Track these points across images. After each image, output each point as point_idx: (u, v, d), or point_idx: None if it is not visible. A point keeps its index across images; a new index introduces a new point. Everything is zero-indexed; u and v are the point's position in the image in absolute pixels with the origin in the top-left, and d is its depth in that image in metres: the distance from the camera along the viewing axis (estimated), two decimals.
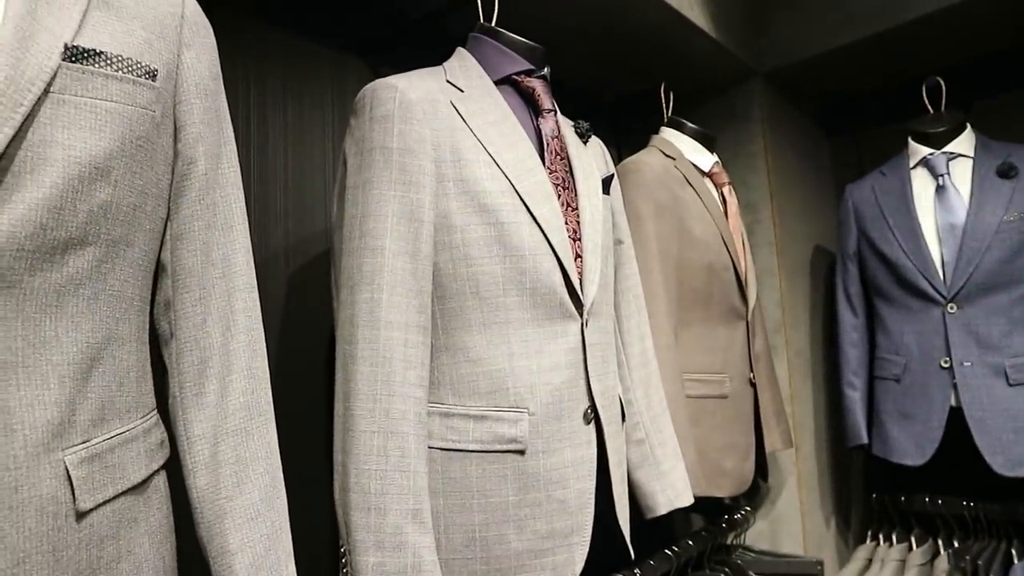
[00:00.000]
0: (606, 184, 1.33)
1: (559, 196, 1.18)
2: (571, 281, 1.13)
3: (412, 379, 1.01)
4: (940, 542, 1.94)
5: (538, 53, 1.26)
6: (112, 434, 0.69)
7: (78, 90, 0.65)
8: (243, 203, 0.87)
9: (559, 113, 1.30)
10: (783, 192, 2.22)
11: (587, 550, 1.11)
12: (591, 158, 1.32)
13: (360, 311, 1.01)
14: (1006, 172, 1.83)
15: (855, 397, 2.02)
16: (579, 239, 1.18)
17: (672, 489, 1.36)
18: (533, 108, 1.25)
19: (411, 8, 1.58)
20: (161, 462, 0.78)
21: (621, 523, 1.20)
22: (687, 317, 1.64)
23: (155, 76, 0.73)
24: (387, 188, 1.05)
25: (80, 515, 0.65)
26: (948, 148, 1.92)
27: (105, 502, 0.68)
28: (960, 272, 1.79)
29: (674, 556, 1.59)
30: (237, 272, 0.83)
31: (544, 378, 1.09)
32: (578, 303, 1.14)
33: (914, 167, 1.96)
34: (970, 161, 1.89)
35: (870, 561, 2.00)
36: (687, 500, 1.37)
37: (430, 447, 1.05)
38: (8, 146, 0.61)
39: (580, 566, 1.10)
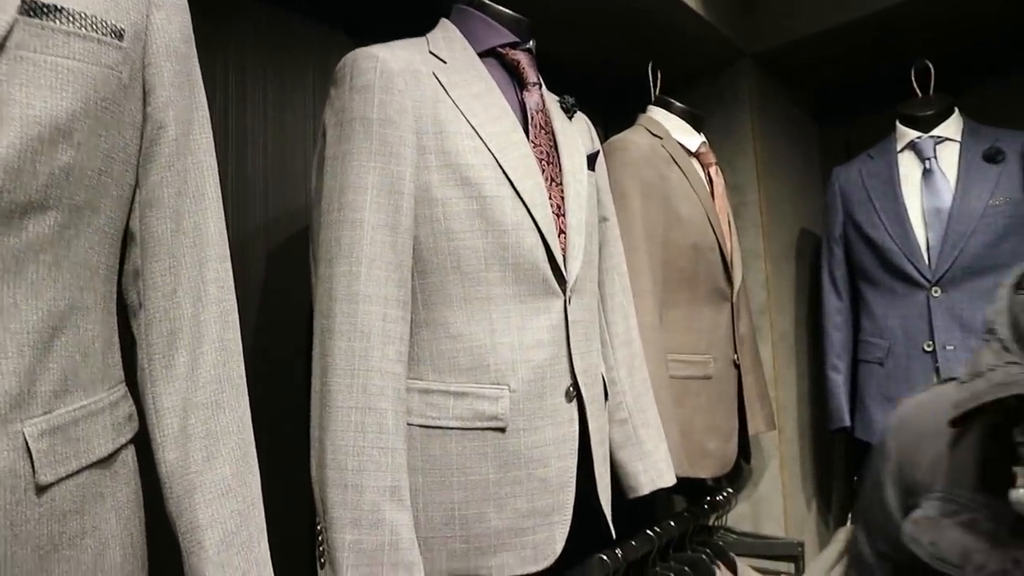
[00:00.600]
0: (591, 160, 1.31)
1: (543, 171, 1.16)
2: (554, 257, 1.11)
3: (391, 354, 0.99)
4: None
5: (523, 25, 1.24)
6: (75, 406, 0.67)
7: (37, 46, 0.62)
8: (216, 172, 0.84)
9: (544, 87, 1.28)
10: (771, 175, 2.20)
11: (568, 529, 1.10)
12: (576, 133, 1.30)
13: (338, 285, 0.99)
14: (993, 156, 1.82)
15: (838, 380, 2.02)
16: (563, 215, 1.16)
17: (655, 469, 1.35)
18: (518, 81, 1.22)
19: None
20: (129, 436, 0.75)
21: (602, 502, 1.19)
22: (672, 297, 1.63)
23: (121, 36, 0.70)
24: (367, 159, 1.02)
25: (40, 489, 0.62)
26: (935, 132, 1.91)
27: (68, 476, 0.65)
28: (945, 256, 1.79)
29: (655, 537, 1.59)
30: (209, 241, 0.80)
31: (526, 355, 1.08)
32: (561, 280, 1.12)
33: (901, 150, 1.95)
34: (957, 145, 1.88)
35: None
36: (669, 480, 1.36)
37: (409, 424, 1.03)
38: None
39: (561, 545, 1.09)
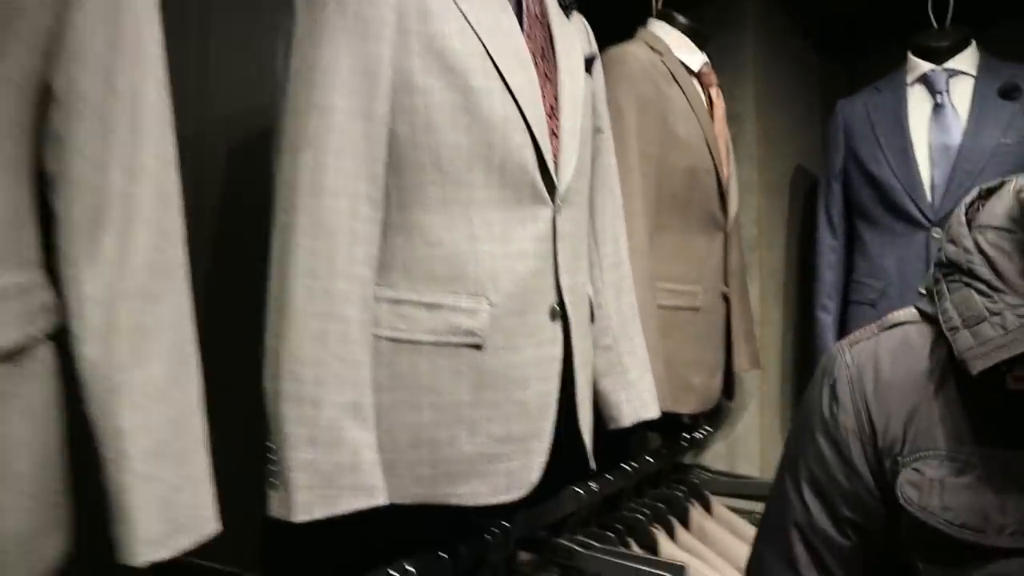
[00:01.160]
0: (588, 64, 1.19)
1: (537, 66, 1.04)
2: (545, 161, 1.00)
3: (359, 256, 0.88)
4: None
5: None
6: None
7: None
8: (158, 30, 0.72)
9: None
10: (769, 105, 2.09)
11: (546, 458, 1.02)
12: (574, 33, 1.17)
13: (302, 176, 0.87)
14: (1009, 92, 1.72)
15: (827, 321, 1.95)
16: (556, 117, 1.05)
17: (639, 400, 1.27)
18: None
19: None
20: (44, 329, 0.64)
21: (583, 431, 1.11)
22: (664, 222, 1.53)
23: None
24: (340, 38, 0.90)
25: None
26: (949, 64, 1.80)
27: None
28: (950, 195, 1.70)
29: (633, 472, 1.53)
30: (147, 107, 0.68)
31: (509, 266, 0.98)
32: (551, 187, 1.02)
33: (912, 84, 1.84)
34: (971, 80, 1.78)
35: None
36: (653, 413, 1.29)
37: (376, 336, 0.93)
38: None
39: (537, 474, 1.01)
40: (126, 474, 0.63)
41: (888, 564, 0.83)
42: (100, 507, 0.65)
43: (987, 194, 0.83)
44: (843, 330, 1.94)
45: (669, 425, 1.89)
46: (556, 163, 1.03)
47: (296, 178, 0.87)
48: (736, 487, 1.80)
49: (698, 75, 1.67)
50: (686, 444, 1.75)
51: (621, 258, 1.30)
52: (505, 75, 0.97)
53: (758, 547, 0.91)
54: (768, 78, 2.08)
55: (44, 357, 0.65)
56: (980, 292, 0.76)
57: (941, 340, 0.79)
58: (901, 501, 0.76)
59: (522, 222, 1.00)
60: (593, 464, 1.13)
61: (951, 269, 0.79)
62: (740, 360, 1.74)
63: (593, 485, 1.40)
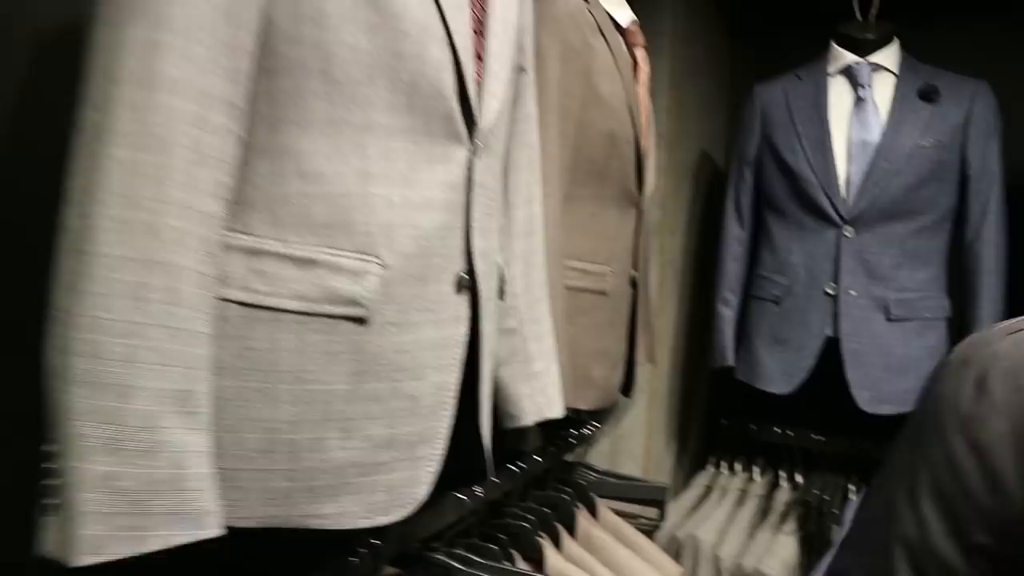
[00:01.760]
0: None
1: None
2: (466, 88, 0.78)
3: (204, 182, 0.62)
4: (783, 474, 1.85)
5: None
6: None
7: None
8: None
9: None
10: (684, 84, 1.95)
11: (437, 467, 0.80)
12: None
13: (126, 58, 0.60)
14: (928, 95, 1.66)
15: (728, 316, 1.84)
16: (483, 35, 0.83)
17: (543, 395, 1.08)
18: None
19: None
20: None
21: (483, 431, 0.90)
22: (578, 192, 1.34)
23: None
24: None
25: None
26: (873, 59, 1.72)
27: None
28: (864, 193, 1.63)
29: (521, 474, 1.35)
30: None
31: (409, 217, 0.75)
32: (471, 121, 0.80)
33: (834, 74, 1.75)
34: (893, 77, 1.70)
35: (710, 488, 1.88)
36: (557, 411, 1.10)
37: (222, 298, 0.67)
38: None
39: (426, 489, 0.79)
40: None
41: None
42: None
43: None
44: (742, 327, 1.84)
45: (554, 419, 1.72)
46: (480, 92, 0.81)
47: (118, 61, 0.60)
48: (625, 489, 1.66)
49: (624, 33, 1.49)
50: (574, 441, 1.58)
51: (534, 226, 1.10)
52: None
53: (844, 563, 0.72)
54: (684, 54, 1.94)
55: None
56: None
57: None
58: None
59: (430, 162, 0.77)
60: (492, 471, 0.93)
61: None
62: (639, 351, 1.59)
63: (478, 490, 1.20)
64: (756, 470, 1.87)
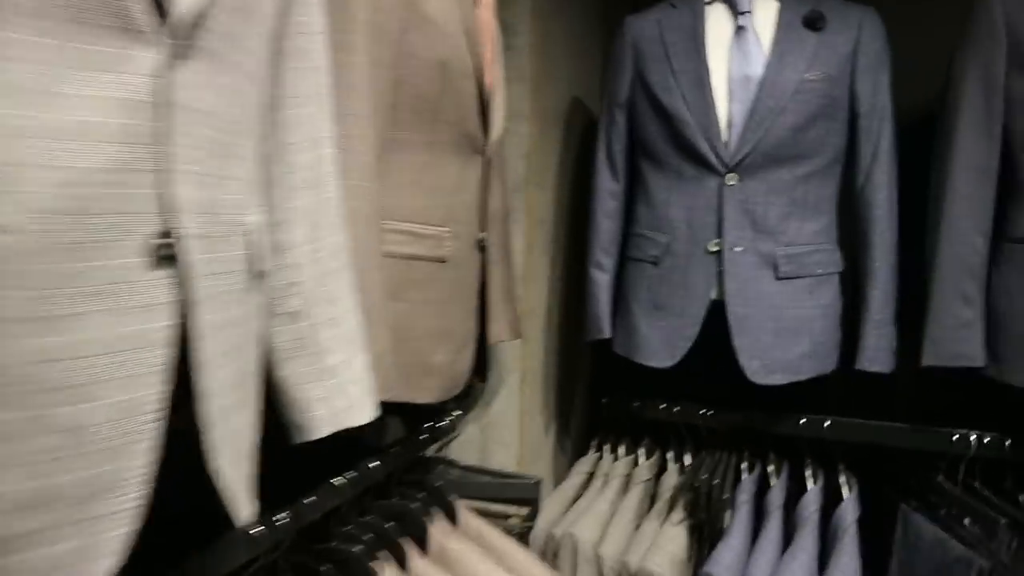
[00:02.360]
0: None
1: None
2: None
3: None
4: (669, 455, 1.66)
5: None
6: None
7: None
8: None
9: None
10: (549, 18, 1.70)
11: (130, 527, 0.53)
12: None
13: None
14: (813, 22, 1.47)
15: (603, 281, 1.62)
16: None
17: (342, 396, 0.82)
18: None
19: None
20: None
21: (219, 467, 0.63)
22: (403, 136, 1.08)
23: None
24: None
25: None
26: None
27: None
28: (748, 136, 1.43)
29: (347, 487, 1.09)
30: None
31: (54, 152, 0.48)
32: (156, 4, 0.52)
33: (711, 1, 1.54)
34: (775, 3, 1.51)
35: (592, 475, 1.68)
36: (365, 415, 0.85)
37: None
38: None
39: (109, 563, 0.52)
40: None
41: None
42: None
43: None
44: (619, 293, 1.63)
45: (407, 407, 1.47)
46: None
47: None
48: (491, 488, 1.43)
49: None
50: (427, 436, 1.34)
51: (323, 175, 0.83)
52: None
53: None
54: None
55: None
56: None
57: None
58: None
59: (89, 67, 0.50)
60: (244, 517, 0.66)
61: None
62: (497, 328, 1.35)
63: (283, 516, 0.94)
64: (641, 452, 1.67)
